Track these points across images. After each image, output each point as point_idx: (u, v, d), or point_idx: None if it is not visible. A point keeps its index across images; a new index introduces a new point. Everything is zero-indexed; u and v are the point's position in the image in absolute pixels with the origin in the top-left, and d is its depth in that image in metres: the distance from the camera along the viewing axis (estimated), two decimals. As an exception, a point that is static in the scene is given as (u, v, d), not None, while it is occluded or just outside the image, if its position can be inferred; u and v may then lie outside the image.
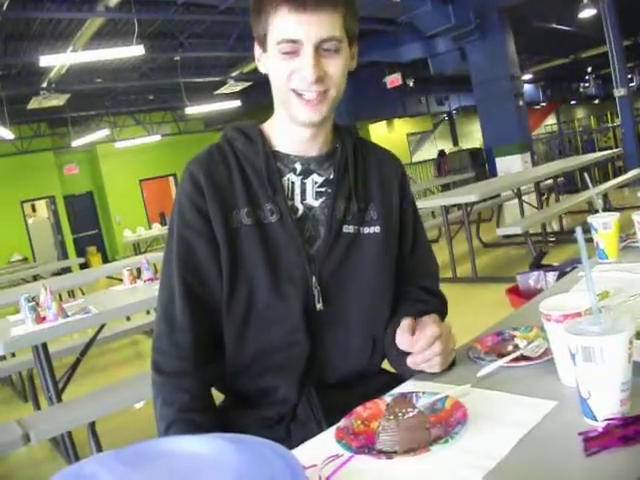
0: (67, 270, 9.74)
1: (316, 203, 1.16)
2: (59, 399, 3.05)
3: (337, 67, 1.06)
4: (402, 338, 1.06)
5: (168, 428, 1.08)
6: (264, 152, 1.15)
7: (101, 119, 15.43)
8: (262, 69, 1.13)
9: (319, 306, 1.12)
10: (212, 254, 1.11)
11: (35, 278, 7.59)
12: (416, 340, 1.02)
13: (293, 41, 1.02)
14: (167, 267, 1.14)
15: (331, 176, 1.17)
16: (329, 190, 1.17)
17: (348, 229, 1.15)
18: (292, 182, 1.16)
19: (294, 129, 1.14)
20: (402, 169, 1.29)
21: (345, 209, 1.16)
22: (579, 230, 0.87)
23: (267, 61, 1.10)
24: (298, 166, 1.17)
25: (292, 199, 1.15)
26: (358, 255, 1.16)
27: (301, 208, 1.15)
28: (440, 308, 1.25)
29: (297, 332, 1.11)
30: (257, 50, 1.12)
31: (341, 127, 1.22)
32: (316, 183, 1.17)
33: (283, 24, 1.02)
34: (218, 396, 1.21)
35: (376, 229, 1.18)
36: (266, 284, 1.10)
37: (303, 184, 1.16)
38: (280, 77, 1.07)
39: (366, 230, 1.17)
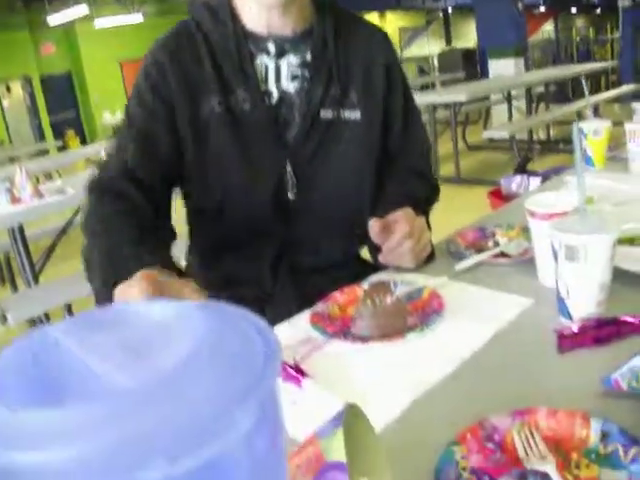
0: (45, 152, 9.56)
1: (291, 87, 1.09)
2: (36, 281, 3.06)
3: None
4: (373, 236, 1.02)
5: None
6: (234, 33, 1.07)
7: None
8: None
9: (291, 195, 1.09)
10: (172, 146, 1.05)
11: (12, 160, 7.43)
12: (384, 239, 0.99)
13: None
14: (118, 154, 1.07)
15: (308, 57, 1.10)
16: (306, 73, 1.09)
17: (326, 114, 1.09)
18: (265, 65, 1.09)
19: (261, 11, 1.06)
20: (388, 45, 1.20)
21: (323, 93, 1.09)
22: (575, 126, 0.84)
23: None
24: (271, 47, 1.09)
25: (266, 83, 1.09)
26: (337, 142, 1.10)
27: (275, 92, 1.09)
28: (429, 191, 1.22)
29: (269, 220, 1.09)
30: None
31: (321, 2, 1.12)
32: (292, 65, 1.10)
33: None
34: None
35: (356, 114, 1.11)
36: (239, 174, 1.06)
37: (277, 67, 1.09)
38: None
39: (346, 114, 1.11)
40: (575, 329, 0.76)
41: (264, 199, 1.08)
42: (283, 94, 1.09)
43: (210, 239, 1.16)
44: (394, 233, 0.98)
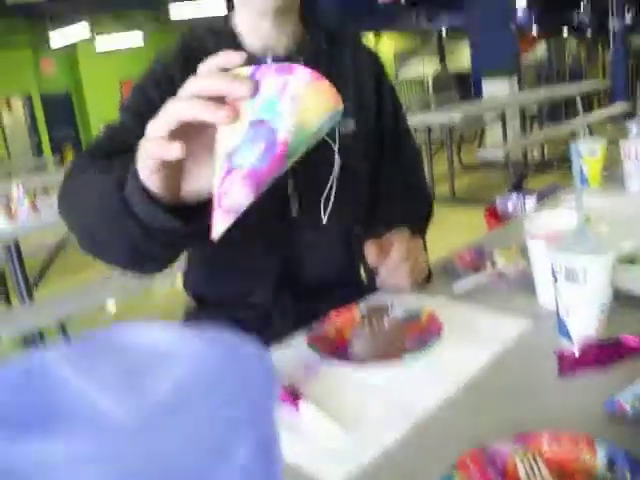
0: (42, 168, 9.56)
1: None
2: (31, 298, 3.04)
3: None
4: (369, 258, 1.02)
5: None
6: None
7: (82, 17, 14.79)
8: None
9: (294, 211, 1.09)
10: None
11: (9, 176, 7.43)
12: (381, 262, 0.99)
13: None
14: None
15: None
16: None
17: None
18: None
19: (255, 23, 1.07)
20: (379, 64, 1.22)
21: None
22: (573, 146, 0.84)
23: None
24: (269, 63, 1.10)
25: None
26: (333, 151, 1.11)
27: None
28: (423, 209, 1.23)
29: (271, 237, 1.09)
30: None
31: (310, 19, 1.14)
32: None
33: None
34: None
35: (351, 124, 1.12)
36: None
37: None
38: None
39: (341, 125, 1.11)
40: (576, 351, 0.75)
41: (269, 215, 1.07)
42: None
43: (209, 257, 1.15)
44: (390, 255, 0.98)
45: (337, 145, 0.87)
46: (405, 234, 1.03)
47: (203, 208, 0.66)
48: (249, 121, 0.54)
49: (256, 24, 1.07)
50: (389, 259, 0.98)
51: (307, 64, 1.07)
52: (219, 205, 0.54)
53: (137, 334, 0.34)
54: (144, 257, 0.82)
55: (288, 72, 0.55)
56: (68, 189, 0.88)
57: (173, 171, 0.65)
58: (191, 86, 0.60)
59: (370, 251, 0.98)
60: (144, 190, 0.66)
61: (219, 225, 0.55)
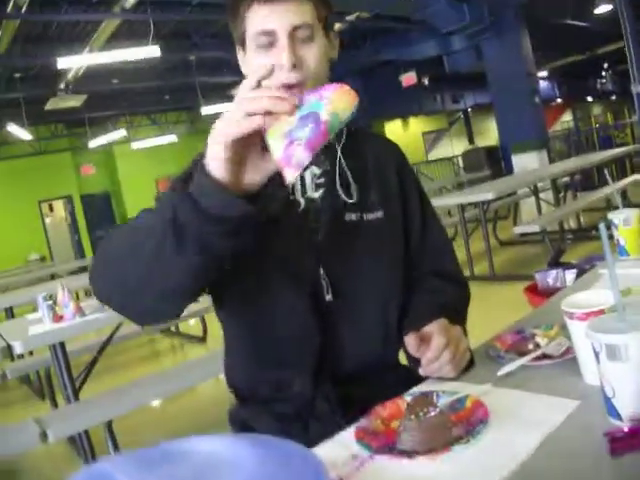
0: (84, 269, 9.78)
1: (316, 195, 1.16)
2: (76, 397, 3.06)
3: (313, 54, 1.05)
4: (410, 351, 1.03)
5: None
6: None
7: (118, 119, 15.51)
8: (244, 70, 1.12)
9: (328, 297, 1.11)
10: None
11: (53, 277, 7.65)
12: (422, 353, 1.01)
13: (267, 33, 1.03)
14: None
15: (328, 167, 1.17)
16: (328, 181, 1.17)
17: (350, 217, 1.15)
18: None
19: None
20: (399, 153, 1.29)
21: (345, 197, 1.15)
22: (602, 226, 0.85)
23: (247, 61, 1.10)
24: None
25: (293, 194, 1.15)
26: (364, 242, 1.15)
27: (302, 202, 1.15)
28: (459, 294, 1.24)
29: (307, 324, 1.11)
30: (239, 53, 1.13)
31: None
32: (315, 175, 1.17)
33: (256, 18, 1.03)
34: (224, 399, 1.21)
35: (379, 214, 1.17)
36: (274, 276, 1.10)
37: (302, 178, 1.17)
38: None
39: (370, 216, 1.16)
40: (626, 429, 0.74)
41: (303, 302, 1.10)
42: (309, 202, 1.15)
43: (246, 347, 1.17)
44: (431, 346, 1.00)
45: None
46: (444, 323, 1.05)
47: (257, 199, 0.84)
48: (300, 116, 0.79)
49: None
50: (429, 350, 1.00)
51: (330, 160, 1.14)
52: (289, 165, 0.78)
53: (189, 446, 0.36)
54: (175, 293, 0.92)
55: (321, 88, 0.83)
56: (103, 248, 0.99)
57: (237, 157, 0.81)
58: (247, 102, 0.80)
59: (410, 343, 1.01)
60: (214, 180, 0.80)
61: (290, 175, 0.78)
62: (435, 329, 1.03)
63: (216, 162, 0.80)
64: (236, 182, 0.83)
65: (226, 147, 0.79)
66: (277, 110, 0.78)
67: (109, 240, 0.99)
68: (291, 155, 0.78)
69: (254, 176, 0.84)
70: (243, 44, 1.09)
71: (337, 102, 0.80)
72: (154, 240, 0.85)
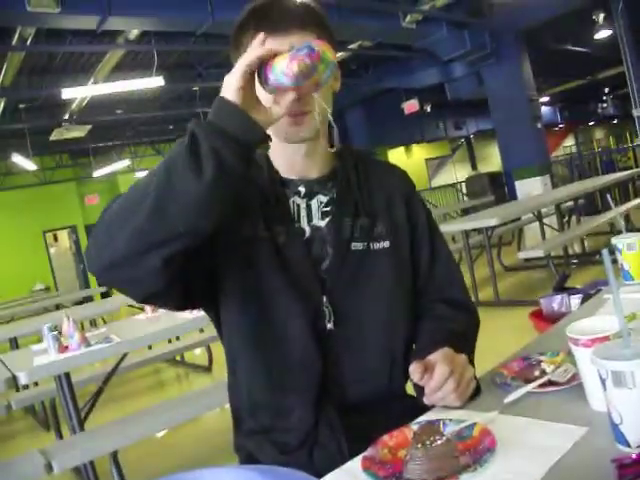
0: (89, 299, 9.82)
1: (322, 223, 1.17)
2: (82, 428, 3.05)
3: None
4: (415, 380, 1.03)
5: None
6: (271, 178, 1.17)
7: (122, 149, 15.64)
8: None
9: (329, 326, 1.12)
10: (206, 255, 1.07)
11: (57, 307, 7.66)
12: (426, 382, 1.00)
13: None
14: None
15: (335, 195, 1.18)
16: (335, 210, 1.17)
17: (357, 246, 1.15)
18: (297, 205, 1.17)
19: (288, 152, 1.16)
20: (407, 181, 1.29)
21: (352, 226, 1.16)
22: (605, 252, 0.85)
23: None
24: (302, 189, 1.18)
25: (299, 221, 1.16)
26: (369, 272, 1.15)
27: (308, 230, 1.16)
28: (467, 321, 1.24)
29: (308, 350, 1.11)
30: None
31: (339, 147, 1.21)
32: (322, 203, 1.18)
33: None
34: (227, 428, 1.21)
35: (385, 244, 1.17)
36: (277, 302, 1.11)
37: (308, 206, 1.17)
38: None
39: (376, 246, 1.16)
40: (634, 456, 0.74)
41: (304, 329, 1.10)
42: (315, 230, 1.16)
43: (245, 372, 1.16)
44: (433, 375, 0.99)
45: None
46: (448, 352, 1.05)
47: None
48: (296, 49, 0.90)
49: (289, 154, 1.17)
50: (433, 379, 1.00)
51: (339, 192, 1.15)
52: (295, 59, 0.88)
53: (203, 476, 0.37)
54: (180, 235, 0.90)
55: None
56: (101, 217, 1.02)
57: (249, 89, 0.91)
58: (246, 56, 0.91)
59: (415, 373, 1.00)
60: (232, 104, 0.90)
61: (295, 66, 0.89)
62: (439, 358, 1.02)
63: (231, 90, 0.89)
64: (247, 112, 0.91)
65: (242, 76, 0.89)
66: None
67: (108, 208, 1.02)
68: (296, 55, 0.89)
69: (260, 117, 0.92)
70: None
71: (324, 47, 0.93)
72: (164, 173, 0.90)
